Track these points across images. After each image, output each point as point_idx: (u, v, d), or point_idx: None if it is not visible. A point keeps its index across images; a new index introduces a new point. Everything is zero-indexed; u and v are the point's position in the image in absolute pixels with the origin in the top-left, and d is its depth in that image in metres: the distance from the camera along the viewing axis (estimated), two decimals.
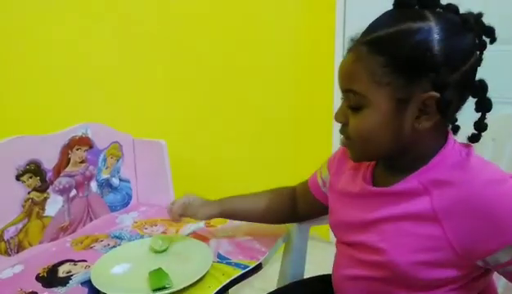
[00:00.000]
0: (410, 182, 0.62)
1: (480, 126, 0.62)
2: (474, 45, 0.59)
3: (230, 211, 0.93)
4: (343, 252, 0.74)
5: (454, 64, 0.57)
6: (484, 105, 0.62)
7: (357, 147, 0.65)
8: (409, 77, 0.57)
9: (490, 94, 0.62)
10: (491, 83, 0.61)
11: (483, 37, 0.59)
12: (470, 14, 0.59)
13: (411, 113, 0.58)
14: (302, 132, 2.16)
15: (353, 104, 0.61)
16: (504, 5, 1.52)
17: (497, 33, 0.59)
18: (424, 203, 0.59)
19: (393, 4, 0.61)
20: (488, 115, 0.62)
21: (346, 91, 0.62)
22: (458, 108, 0.63)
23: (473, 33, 0.58)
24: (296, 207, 0.95)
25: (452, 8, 0.60)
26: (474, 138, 0.63)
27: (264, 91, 1.85)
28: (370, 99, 0.59)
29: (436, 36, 0.55)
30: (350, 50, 0.61)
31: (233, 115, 1.70)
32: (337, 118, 0.65)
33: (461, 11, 0.60)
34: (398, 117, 0.59)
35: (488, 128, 0.62)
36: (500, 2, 1.52)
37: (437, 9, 0.59)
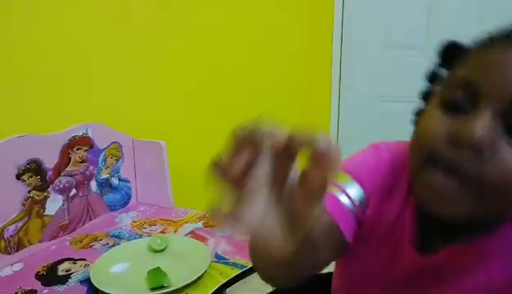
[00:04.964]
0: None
1: None
2: None
3: None
4: None
5: None
6: None
7: (487, 199, 0.39)
8: None
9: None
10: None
11: None
12: None
13: None
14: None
15: None
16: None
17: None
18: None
19: None
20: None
21: None
22: None
23: None
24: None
25: None
26: None
27: (265, 92, 1.86)
28: None
29: None
30: None
31: (233, 116, 1.70)
32: (478, 136, 0.37)
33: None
34: None
35: None
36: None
37: None
